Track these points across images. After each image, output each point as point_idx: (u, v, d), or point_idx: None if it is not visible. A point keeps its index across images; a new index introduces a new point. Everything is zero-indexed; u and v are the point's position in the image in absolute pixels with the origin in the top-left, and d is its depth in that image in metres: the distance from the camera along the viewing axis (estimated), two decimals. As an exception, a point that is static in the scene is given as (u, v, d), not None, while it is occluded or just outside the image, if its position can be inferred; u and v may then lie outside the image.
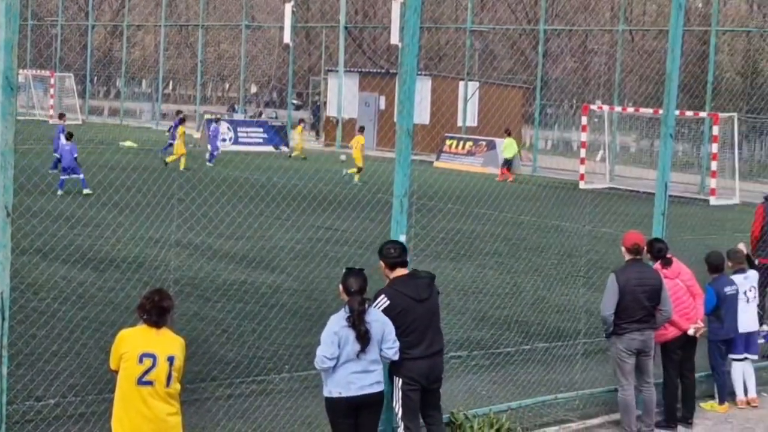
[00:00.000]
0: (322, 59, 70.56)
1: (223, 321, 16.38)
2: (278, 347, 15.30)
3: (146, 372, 8.68)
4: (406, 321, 10.43)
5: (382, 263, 10.72)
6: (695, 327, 13.51)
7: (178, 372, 8.84)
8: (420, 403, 10.73)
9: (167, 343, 8.80)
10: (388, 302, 10.42)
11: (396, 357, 10.19)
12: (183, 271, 19.90)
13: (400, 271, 10.67)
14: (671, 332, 13.35)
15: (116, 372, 8.78)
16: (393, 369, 10.62)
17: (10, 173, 7.82)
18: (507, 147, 44.99)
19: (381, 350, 9.99)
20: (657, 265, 13.34)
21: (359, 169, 38.22)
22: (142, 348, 8.69)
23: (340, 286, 10.01)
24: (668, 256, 13.52)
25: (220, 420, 12.07)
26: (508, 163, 44.67)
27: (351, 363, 9.82)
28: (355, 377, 9.84)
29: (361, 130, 42.42)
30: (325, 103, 63.87)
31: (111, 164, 34.65)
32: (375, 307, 10.39)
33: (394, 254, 10.68)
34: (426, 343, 10.57)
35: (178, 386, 8.86)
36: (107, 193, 27.35)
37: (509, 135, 46.16)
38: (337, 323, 9.84)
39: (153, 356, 8.70)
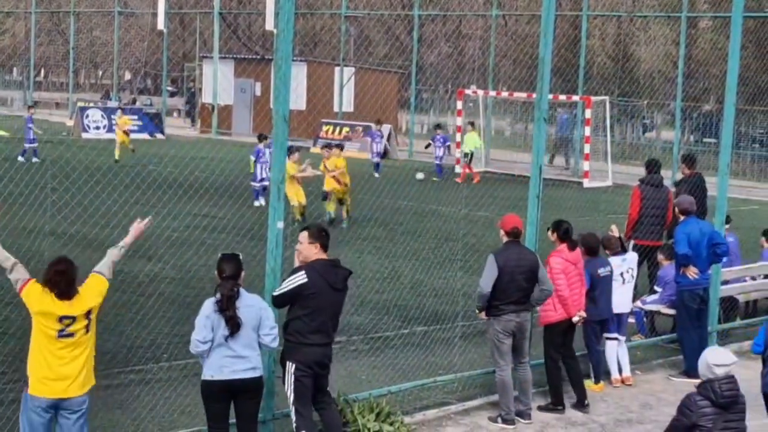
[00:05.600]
0: (197, 45, 69.93)
1: (100, 311, 16.17)
2: (156, 336, 15.18)
3: (66, 327, 9.05)
4: (316, 304, 10.48)
5: (305, 242, 10.76)
6: (580, 315, 13.69)
7: (95, 315, 9.32)
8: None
9: (81, 304, 9.14)
10: (306, 280, 10.46)
11: (274, 345, 10.19)
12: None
13: (321, 255, 10.69)
14: (558, 315, 13.50)
15: (24, 296, 9.12)
16: (286, 354, 10.65)
17: None
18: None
19: (259, 336, 9.98)
20: (562, 246, 13.58)
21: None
22: (60, 312, 9.02)
23: (216, 272, 10.02)
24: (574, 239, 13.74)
25: (98, 411, 11.93)
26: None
27: (223, 347, 9.86)
28: (227, 361, 9.86)
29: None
30: (200, 89, 63.40)
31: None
32: (289, 281, 10.47)
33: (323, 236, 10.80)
34: (325, 333, 10.62)
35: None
36: (-22, 183, 26.81)
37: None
38: (209, 308, 9.88)
39: (72, 317, 9.06)
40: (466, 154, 40.60)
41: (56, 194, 23.05)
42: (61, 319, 8.99)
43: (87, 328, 9.17)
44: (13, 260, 9.29)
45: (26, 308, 9.19)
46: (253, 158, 30.79)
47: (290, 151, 28.02)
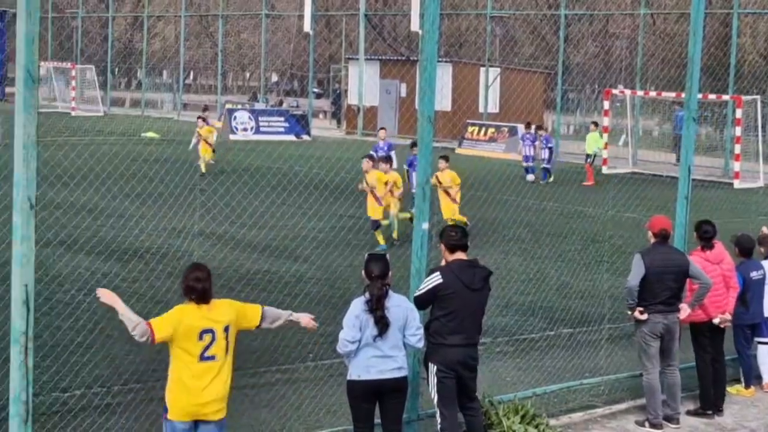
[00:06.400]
0: (343, 47, 70.47)
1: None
2: (302, 336, 15.27)
3: (207, 347, 8.90)
4: (452, 305, 10.43)
5: (441, 246, 10.74)
6: (721, 318, 13.42)
7: (241, 321, 9.19)
8: (457, 392, 10.72)
9: (220, 314, 9.02)
10: (441, 281, 10.43)
11: (420, 345, 10.20)
12: (206, 261, 19.85)
13: (460, 255, 10.67)
14: (698, 316, 13.27)
15: (152, 333, 8.85)
16: (428, 355, 10.64)
17: (33, 165, 7.83)
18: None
19: (404, 337, 10.00)
20: (697, 248, 13.38)
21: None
22: (201, 324, 8.89)
23: (363, 272, 10.03)
24: (714, 241, 13.48)
25: (245, 409, 12.09)
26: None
27: (370, 347, 9.87)
28: (374, 361, 9.88)
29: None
30: (345, 91, 63.82)
31: (133, 155, 34.72)
32: (426, 283, 10.47)
33: (455, 237, 10.71)
34: (465, 334, 10.55)
35: (254, 320, 9.33)
36: (130, 184, 27.37)
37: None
38: (358, 307, 9.90)
39: (212, 331, 8.92)
40: (588, 155, 39.88)
41: (205, 195, 23.42)
42: (201, 335, 8.86)
43: (226, 349, 9.04)
44: (135, 320, 9.07)
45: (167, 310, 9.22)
46: (406, 167, 28.80)
47: (372, 158, 24.67)
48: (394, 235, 23.44)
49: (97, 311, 15.86)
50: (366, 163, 23.68)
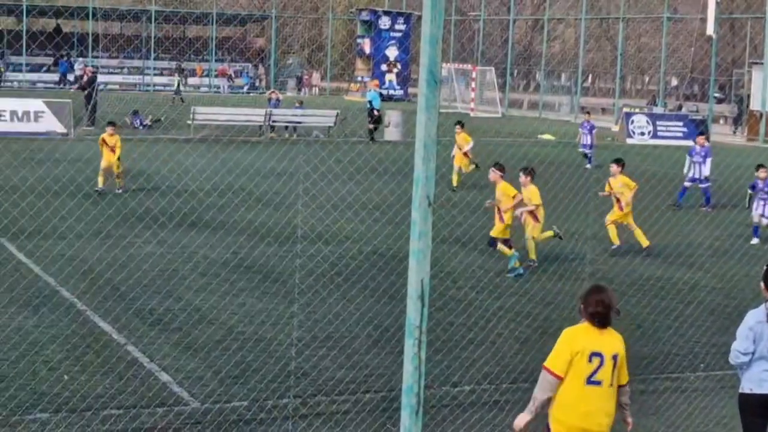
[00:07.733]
0: (747, 51, 68.57)
1: (638, 316, 16.25)
2: (694, 345, 15.03)
3: (595, 371, 8.73)
4: None
5: None
6: None
7: (620, 369, 8.85)
8: None
9: (611, 341, 8.83)
10: None
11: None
12: (598, 265, 19.86)
13: None
14: None
15: (556, 376, 8.72)
16: None
17: (432, 164, 8.03)
18: None
19: (805, 352, 9.63)
20: None
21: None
22: (591, 347, 8.73)
23: (762, 284, 9.71)
24: None
25: (632, 415, 11.96)
26: None
27: (764, 361, 9.55)
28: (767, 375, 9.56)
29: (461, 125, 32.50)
30: (748, 96, 62.12)
31: (529, 157, 35.04)
32: None
33: None
34: None
35: (624, 379, 8.91)
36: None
37: None
38: (754, 318, 9.59)
39: (600, 355, 8.73)
40: None
41: (598, 198, 23.34)
42: (591, 357, 8.71)
43: (612, 378, 8.78)
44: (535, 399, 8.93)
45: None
46: (749, 190, 25.78)
47: (527, 171, 20.35)
48: (532, 255, 19.87)
49: (489, 309, 16.19)
50: (493, 174, 19.93)
